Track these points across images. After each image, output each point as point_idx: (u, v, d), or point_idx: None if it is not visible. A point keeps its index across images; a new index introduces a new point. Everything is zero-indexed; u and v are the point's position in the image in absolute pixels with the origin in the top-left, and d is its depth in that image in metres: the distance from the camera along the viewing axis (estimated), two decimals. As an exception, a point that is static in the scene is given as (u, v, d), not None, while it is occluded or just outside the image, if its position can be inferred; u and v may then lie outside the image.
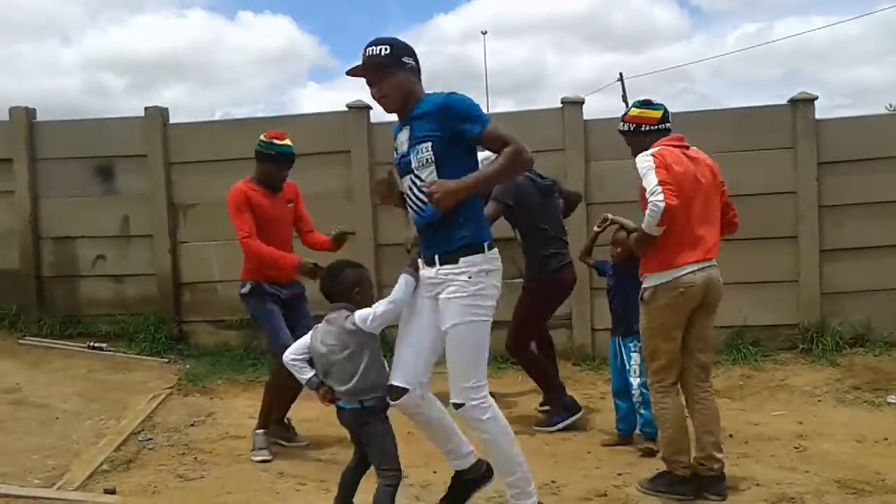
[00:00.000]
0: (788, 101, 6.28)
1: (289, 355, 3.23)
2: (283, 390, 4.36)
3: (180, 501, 3.60)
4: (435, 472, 3.89)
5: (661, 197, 3.34)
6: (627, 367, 4.31)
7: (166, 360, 6.41)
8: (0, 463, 4.01)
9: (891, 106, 15.07)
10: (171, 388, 5.69)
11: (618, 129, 3.81)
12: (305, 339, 3.21)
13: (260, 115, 7.63)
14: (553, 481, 3.77)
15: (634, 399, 4.26)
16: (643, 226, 3.46)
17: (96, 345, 6.51)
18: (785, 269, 6.25)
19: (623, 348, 4.35)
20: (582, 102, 6.50)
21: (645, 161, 3.49)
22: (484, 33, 54.06)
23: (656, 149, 3.54)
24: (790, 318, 6.25)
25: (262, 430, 4.34)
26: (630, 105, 3.88)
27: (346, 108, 6.64)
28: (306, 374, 3.18)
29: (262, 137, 4.50)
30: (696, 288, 3.49)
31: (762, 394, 5.37)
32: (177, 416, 5.09)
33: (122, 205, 6.91)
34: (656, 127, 3.67)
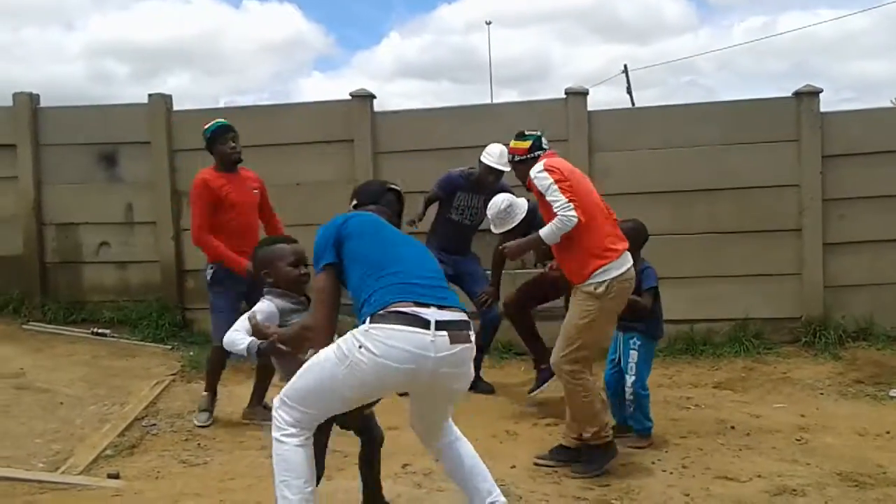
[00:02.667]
0: (793, 94, 6.26)
1: (227, 337, 2.93)
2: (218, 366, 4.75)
3: (183, 486, 3.61)
4: (437, 461, 3.90)
5: (572, 213, 3.63)
6: (624, 363, 4.26)
7: (170, 346, 6.43)
8: (4, 447, 4.04)
9: (896, 100, 14.94)
10: (174, 374, 5.71)
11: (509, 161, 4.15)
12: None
13: (264, 103, 7.63)
14: (556, 470, 3.79)
15: (627, 396, 4.23)
16: (546, 234, 3.73)
17: (100, 331, 6.53)
18: (788, 262, 6.25)
19: (623, 344, 4.29)
20: (586, 93, 6.48)
21: (543, 177, 3.74)
22: (488, 24, 53.87)
23: (542, 161, 3.83)
24: (793, 310, 6.24)
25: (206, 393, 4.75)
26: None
27: (350, 97, 6.63)
28: (243, 342, 2.85)
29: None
30: (633, 281, 3.81)
31: (764, 386, 5.37)
32: (180, 402, 5.11)
33: (125, 191, 6.92)
34: (526, 156, 3.96)
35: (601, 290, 3.68)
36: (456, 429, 3.02)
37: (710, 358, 5.93)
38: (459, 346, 2.62)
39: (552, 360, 3.84)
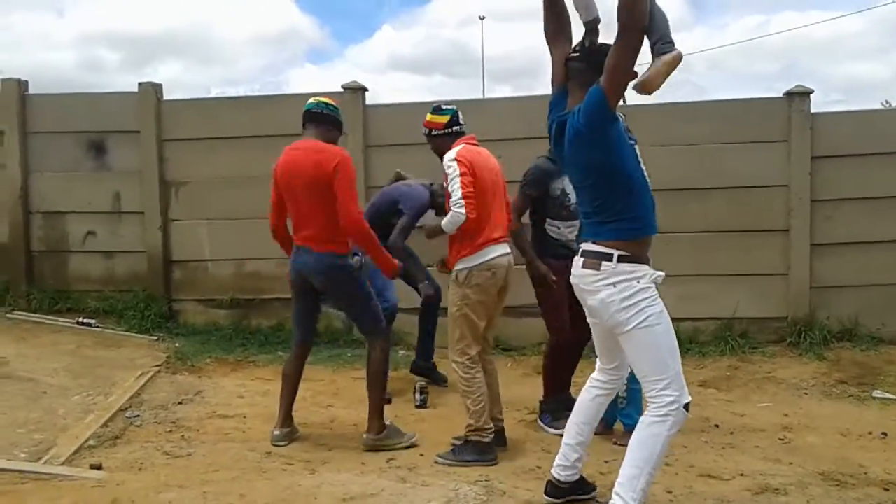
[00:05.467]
0: (784, 95, 6.27)
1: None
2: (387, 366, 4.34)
3: (167, 478, 3.59)
4: (422, 455, 3.92)
5: (462, 211, 3.76)
6: None
7: (155, 337, 6.40)
8: (-14, 436, 4.01)
9: (887, 102, 15.02)
10: (159, 365, 5.68)
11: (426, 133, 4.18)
12: None
13: (254, 94, 7.57)
14: (539, 467, 3.80)
15: (621, 392, 3.96)
16: (444, 225, 3.86)
17: (85, 321, 6.50)
18: (775, 262, 6.27)
19: None
20: (578, 90, 6.46)
21: (451, 167, 3.85)
22: (482, 18, 53.88)
23: (459, 148, 3.92)
24: (779, 310, 6.27)
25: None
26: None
27: (342, 90, 6.60)
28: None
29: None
30: (502, 270, 3.90)
31: (749, 385, 5.40)
32: (165, 393, 5.09)
33: (113, 181, 6.88)
34: (443, 131, 4.07)
35: (461, 277, 3.85)
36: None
37: (696, 356, 5.95)
38: None
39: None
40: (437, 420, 4.61)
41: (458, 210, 3.78)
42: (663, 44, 2.99)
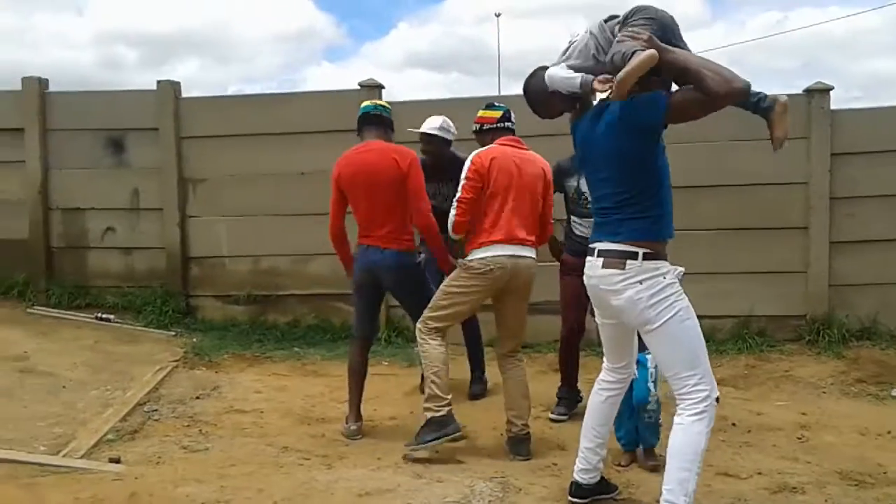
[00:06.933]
0: (804, 91, 6.22)
1: (552, 71, 3.12)
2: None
3: (184, 472, 3.62)
4: (437, 452, 3.91)
5: (453, 212, 3.91)
6: (645, 367, 3.64)
7: (173, 333, 6.45)
8: (7, 429, 4.06)
9: (906, 99, 14.85)
10: (177, 360, 5.72)
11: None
12: None
13: (272, 92, 7.63)
14: (555, 463, 3.80)
15: (650, 406, 3.70)
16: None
17: (104, 316, 6.55)
18: (794, 260, 6.23)
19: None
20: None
21: (466, 165, 3.95)
22: (498, 15, 53.84)
23: (486, 148, 4.01)
24: (797, 309, 6.23)
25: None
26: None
27: (359, 87, 6.61)
28: (576, 76, 2.99)
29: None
30: (502, 270, 3.89)
31: (766, 384, 5.36)
32: (182, 388, 5.13)
33: (132, 178, 6.92)
34: (494, 126, 4.13)
35: (464, 261, 3.96)
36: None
37: (713, 354, 5.83)
38: None
39: None
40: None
41: (452, 212, 3.94)
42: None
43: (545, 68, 3.19)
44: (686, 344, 2.90)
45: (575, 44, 3.07)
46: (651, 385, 3.69)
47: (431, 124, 4.86)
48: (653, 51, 2.65)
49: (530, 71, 3.37)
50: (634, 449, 3.83)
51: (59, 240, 7.04)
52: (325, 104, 6.69)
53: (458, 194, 3.92)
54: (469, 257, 3.95)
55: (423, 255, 4.33)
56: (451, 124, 4.92)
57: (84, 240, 7.01)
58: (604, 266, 2.95)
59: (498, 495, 3.37)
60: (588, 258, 3.06)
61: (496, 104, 4.23)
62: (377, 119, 4.30)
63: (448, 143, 4.90)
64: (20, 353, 5.41)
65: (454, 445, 3.97)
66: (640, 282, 2.87)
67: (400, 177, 4.09)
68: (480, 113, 4.23)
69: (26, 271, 6.96)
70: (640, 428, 3.77)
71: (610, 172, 2.97)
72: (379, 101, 4.36)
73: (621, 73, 2.69)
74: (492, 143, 4.06)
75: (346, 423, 4.28)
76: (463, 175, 3.93)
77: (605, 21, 3.01)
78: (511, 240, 3.92)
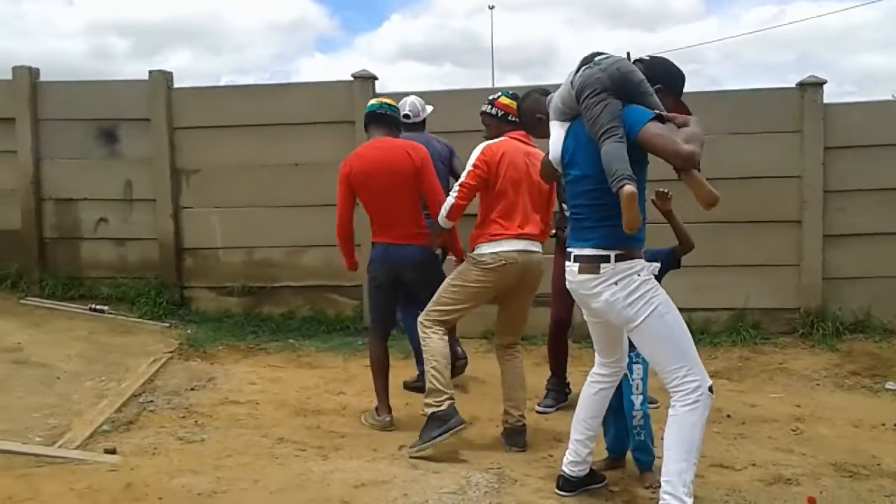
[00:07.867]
0: (797, 85, 6.24)
1: None
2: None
3: (180, 463, 3.62)
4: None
5: (452, 198, 3.90)
6: (628, 379, 3.44)
7: (167, 324, 6.43)
8: (2, 420, 4.04)
9: (896, 95, 14.84)
10: (171, 352, 5.71)
11: (483, 110, 4.15)
12: None
13: (264, 83, 7.55)
14: (550, 455, 3.81)
15: (634, 422, 3.45)
16: (438, 217, 3.99)
17: (98, 307, 6.52)
18: (788, 253, 6.25)
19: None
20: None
21: (475, 154, 3.91)
22: (491, 8, 53.72)
23: (497, 140, 3.97)
24: (791, 301, 6.26)
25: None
26: (500, 94, 4.18)
27: (352, 78, 6.59)
28: None
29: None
30: (514, 265, 3.86)
31: (761, 376, 5.39)
32: (177, 379, 5.11)
33: (125, 168, 6.89)
34: (516, 118, 4.05)
35: (474, 255, 3.92)
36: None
37: (707, 347, 5.93)
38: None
39: None
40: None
41: (451, 193, 3.93)
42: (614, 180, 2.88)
43: (538, 91, 3.22)
44: (669, 337, 2.91)
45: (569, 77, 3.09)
46: (634, 398, 3.46)
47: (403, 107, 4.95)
48: (630, 189, 2.81)
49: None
50: (622, 457, 3.62)
51: (52, 230, 7.00)
52: (319, 95, 6.67)
53: (462, 179, 3.90)
54: (477, 251, 3.90)
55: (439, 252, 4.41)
56: (419, 105, 5.01)
57: (77, 230, 6.97)
58: (580, 271, 3.01)
59: (494, 486, 3.37)
60: (567, 263, 3.09)
61: (510, 92, 4.20)
62: (384, 118, 4.32)
63: (412, 124, 5.02)
64: (14, 345, 5.38)
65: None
66: (616, 283, 2.91)
67: (414, 172, 4.12)
68: (504, 101, 4.12)
69: (19, 262, 6.92)
70: (631, 446, 3.53)
71: (592, 170, 2.98)
72: (385, 100, 4.35)
73: (625, 223, 2.82)
74: (501, 136, 4.01)
75: (379, 415, 4.29)
76: (471, 162, 3.90)
77: (584, 63, 3.03)
78: (521, 235, 3.90)
